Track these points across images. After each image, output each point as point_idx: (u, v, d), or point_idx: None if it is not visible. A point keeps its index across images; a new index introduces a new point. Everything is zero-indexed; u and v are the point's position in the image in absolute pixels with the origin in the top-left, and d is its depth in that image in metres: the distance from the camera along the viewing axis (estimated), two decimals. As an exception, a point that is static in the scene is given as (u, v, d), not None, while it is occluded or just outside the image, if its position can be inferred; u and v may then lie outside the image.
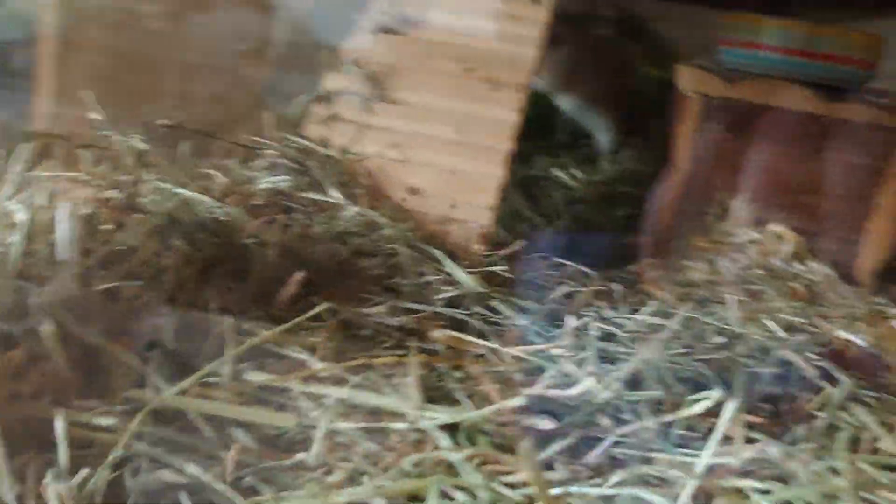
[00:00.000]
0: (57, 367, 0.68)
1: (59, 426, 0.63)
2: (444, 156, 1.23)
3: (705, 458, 0.54)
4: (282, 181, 1.09)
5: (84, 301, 0.73)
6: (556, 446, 0.64)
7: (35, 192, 0.77)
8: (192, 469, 0.63)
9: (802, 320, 1.02)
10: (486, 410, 0.66)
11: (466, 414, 0.66)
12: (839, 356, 0.94)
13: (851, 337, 0.98)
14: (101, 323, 0.72)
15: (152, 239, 0.81)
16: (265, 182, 1.07)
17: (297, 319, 0.74)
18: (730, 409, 0.52)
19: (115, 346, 0.71)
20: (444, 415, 0.66)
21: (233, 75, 1.43)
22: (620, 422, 0.68)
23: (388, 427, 0.66)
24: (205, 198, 0.90)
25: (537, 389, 0.70)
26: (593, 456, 0.64)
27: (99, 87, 1.31)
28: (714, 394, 0.65)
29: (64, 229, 0.75)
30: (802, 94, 1.30)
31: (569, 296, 0.98)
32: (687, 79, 1.33)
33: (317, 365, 0.73)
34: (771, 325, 0.92)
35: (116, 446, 0.61)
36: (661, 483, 0.61)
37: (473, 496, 0.57)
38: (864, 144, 1.30)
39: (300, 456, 0.64)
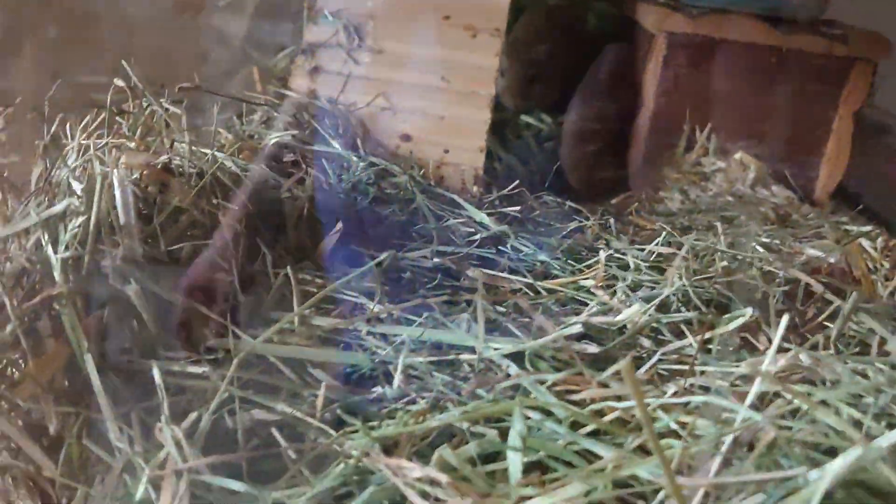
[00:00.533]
0: (142, 324, 0.73)
1: (157, 376, 0.68)
2: (431, 102, 1.28)
3: (767, 363, 0.62)
4: (287, 135, 1.14)
5: (154, 261, 0.78)
6: (611, 368, 0.71)
7: (92, 161, 0.81)
8: (283, 407, 0.69)
9: (777, 242, 1.11)
10: (546, 339, 0.73)
11: (528, 343, 0.73)
12: (818, 272, 1.03)
13: (823, 255, 1.07)
14: (172, 281, 0.77)
15: (200, 199, 0.85)
16: (273, 137, 1.11)
17: (360, 269, 0.80)
18: (783, 323, 0.59)
19: (190, 300, 0.76)
20: (508, 345, 0.73)
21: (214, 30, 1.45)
22: (660, 342, 0.77)
23: (458, 359, 0.73)
24: (235, 158, 0.94)
25: (584, 318, 0.77)
26: (642, 373, 0.72)
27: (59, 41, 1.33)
28: (748, 312, 0.74)
29: (123, 195, 0.79)
30: (759, 28, 1.38)
31: (577, 231, 1.05)
32: (652, 17, 1.40)
33: (377, 307, 0.80)
34: (759, 249, 1.00)
35: (220, 390, 0.66)
36: (705, 391, 0.69)
37: (549, 414, 0.64)
38: (817, 73, 1.39)
39: (379, 390, 0.71)
